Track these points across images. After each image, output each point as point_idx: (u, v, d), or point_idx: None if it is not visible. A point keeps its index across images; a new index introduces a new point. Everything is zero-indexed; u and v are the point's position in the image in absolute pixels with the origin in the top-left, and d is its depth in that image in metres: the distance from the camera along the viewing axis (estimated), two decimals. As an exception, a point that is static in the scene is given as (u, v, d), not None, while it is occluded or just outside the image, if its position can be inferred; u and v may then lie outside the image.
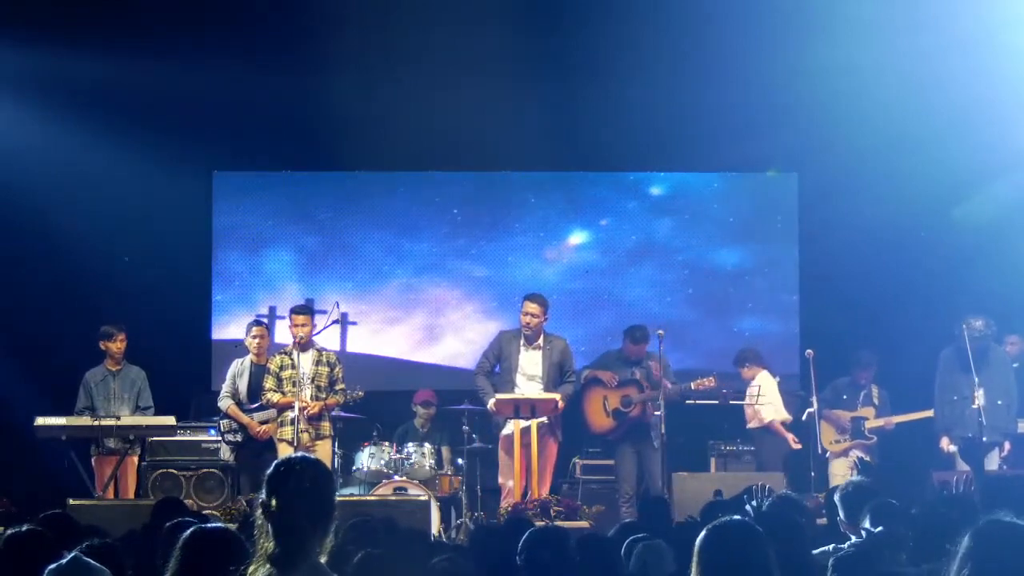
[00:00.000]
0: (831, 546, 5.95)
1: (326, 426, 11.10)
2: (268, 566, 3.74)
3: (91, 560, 4.19)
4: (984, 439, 11.28)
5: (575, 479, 12.36)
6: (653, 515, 7.79)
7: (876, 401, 12.16)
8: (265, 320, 11.99)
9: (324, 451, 10.99)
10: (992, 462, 11.33)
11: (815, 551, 5.78)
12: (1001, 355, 11.67)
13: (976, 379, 11.23)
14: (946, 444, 11.60)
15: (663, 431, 11.11)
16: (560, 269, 13.74)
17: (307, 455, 3.98)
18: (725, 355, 13.11)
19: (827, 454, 11.97)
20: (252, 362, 11.41)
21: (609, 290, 13.73)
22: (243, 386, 11.32)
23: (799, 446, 11.92)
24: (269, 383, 11.04)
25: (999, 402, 11.37)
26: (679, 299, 13.73)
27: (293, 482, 3.80)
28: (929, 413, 11.85)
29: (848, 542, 5.99)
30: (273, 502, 3.78)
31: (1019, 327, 12.13)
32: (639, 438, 11.45)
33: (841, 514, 6.54)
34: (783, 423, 12.05)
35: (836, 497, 6.68)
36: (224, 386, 11.43)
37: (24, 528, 4.59)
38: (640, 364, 11.59)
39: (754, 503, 6.58)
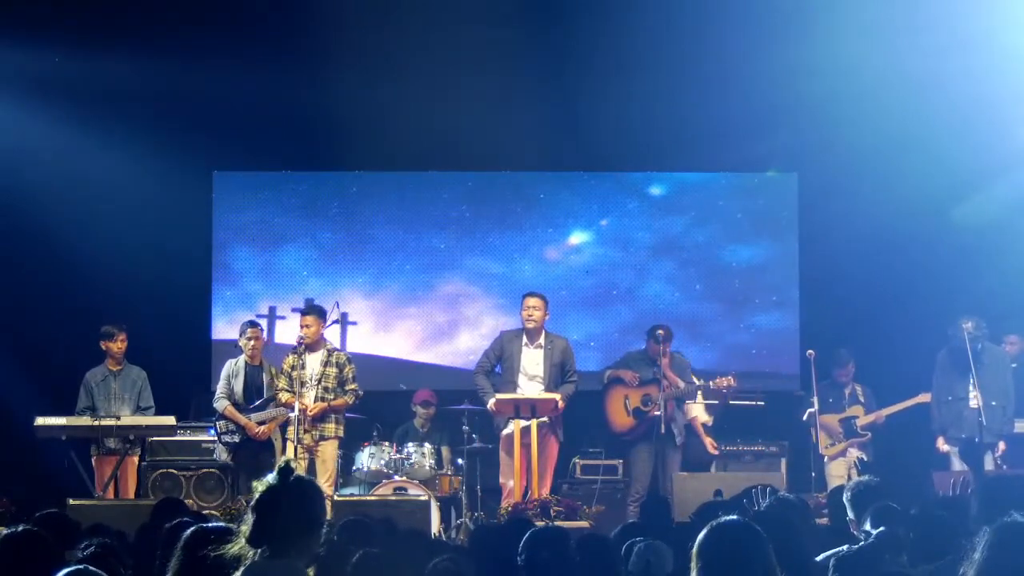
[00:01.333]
0: (845, 547, 5.94)
1: (330, 427, 11.08)
2: (253, 551, 3.82)
3: (98, 570, 4.18)
4: (976, 440, 11.29)
5: (575, 479, 12.35)
6: (654, 515, 7.79)
7: (862, 399, 12.15)
8: (259, 322, 11.97)
9: (328, 452, 10.98)
10: (988, 462, 11.34)
11: (828, 553, 5.77)
12: (999, 355, 11.66)
13: (971, 380, 11.24)
14: (941, 444, 11.62)
15: (663, 429, 11.14)
16: (561, 268, 13.74)
17: (301, 476, 4.02)
18: (727, 354, 13.19)
19: (824, 458, 11.98)
20: (246, 363, 11.40)
21: (610, 289, 13.73)
22: (239, 387, 11.31)
23: (716, 452, 11.91)
24: (282, 383, 11.07)
25: (993, 403, 11.38)
26: (682, 298, 13.72)
27: (278, 494, 3.88)
28: (916, 400, 11.88)
29: (860, 543, 5.99)
30: (256, 509, 3.86)
31: (1018, 327, 12.12)
32: (658, 438, 11.41)
33: (851, 514, 6.55)
34: (704, 425, 12.05)
35: (845, 497, 6.69)
36: (218, 387, 11.42)
37: (20, 528, 4.58)
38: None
39: (754, 508, 6.58)
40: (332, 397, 11.03)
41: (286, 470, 3.93)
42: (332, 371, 11.07)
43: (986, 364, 11.41)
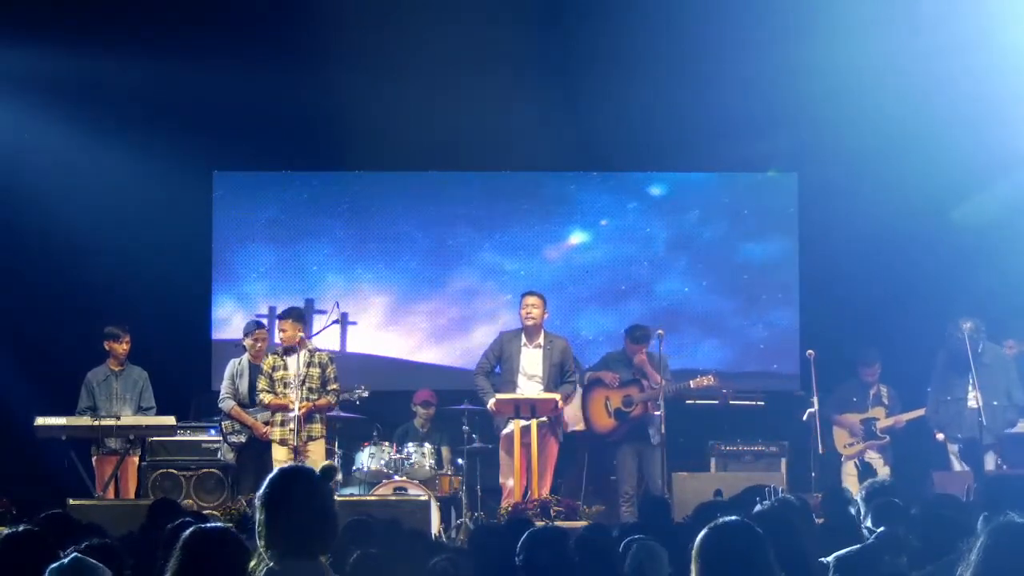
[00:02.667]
0: (857, 546, 5.96)
1: (317, 428, 10.97)
2: (272, 560, 3.80)
3: (92, 560, 4.18)
4: (984, 440, 11.27)
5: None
6: (653, 515, 7.79)
7: (886, 401, 12.09)
8: (264, 322, 11.96)
9: (317, 452, 10.91)
10: (989, 462, 11.31)
11: (838, 553, 5.79)
12: (1000, 356, 11.63)
13: (971, 380, 11.21)
14: (939, 434, 11.61)
15: (663, 430, 11.13)
16: (562, 267, 13.74)
17: (304, 465, 4.03)
18: (728, 354, 13.19)
19: (842, 457, 11.97)
20: (250, 362, 11.38)
21: (609, 288, 13.73)
22: (244, 387, 11.29)
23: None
24: (262, 383, 10.96)
25: (995, 403, 11.35)
26: (683, 298, 13.72)
27: (295, 485, 3.87)
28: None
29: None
30: (276, 505, 3.85)
31: (1018, 328, 12.09)
32: (640, 438, 11.46)
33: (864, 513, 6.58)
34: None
35: (859, 496, 6.73)
36: (223, 387, 11.39)
37: (21, 528, 4.58)
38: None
39: (766, 503, 6.60)
40: (316, 397, 10.97)
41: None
42: (315, 371, 10.96)
43: (987, 364, 11.39)
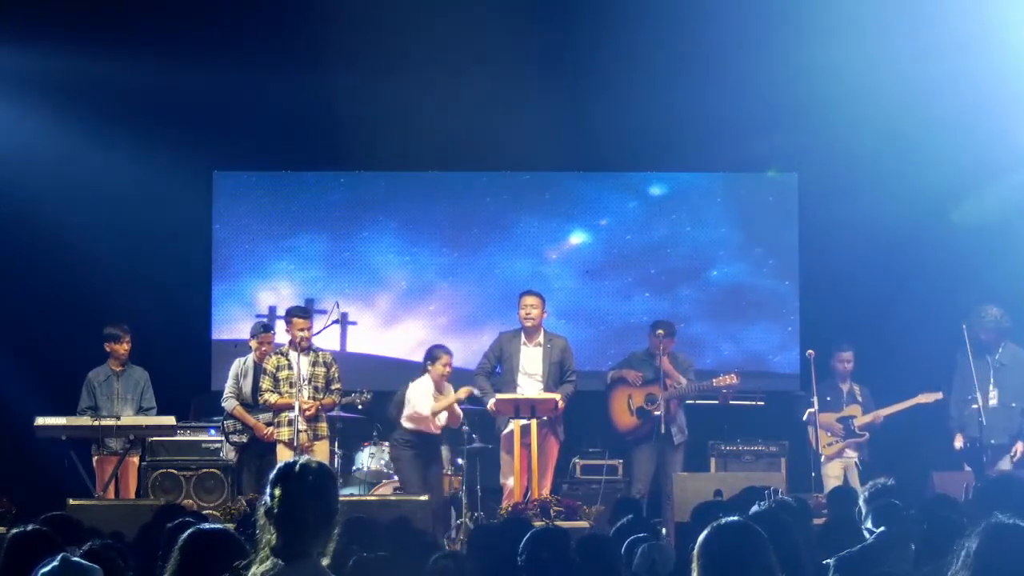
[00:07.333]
0: (857, 547, 5.96)
1: (323, 427, 11.06)
2: (272, 559, 3.77)
3: (83, 560, 4.17)
4: (992, 441, 11.20)
5: (576, 479, 12.35)
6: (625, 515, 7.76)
7: (860, 399, 12.08)
8: (272, 326, 11.96)
9: (322, 451, 10.96)
10: (1005, 464, 11.22)
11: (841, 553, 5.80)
12: (1018, 356, 11.54)
13: (991, 379, 11.13)
14: (959, 441, 11.51)
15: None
16: (559, 269, 13.73)
17: (311, 457, 3.99)
18: (727, 353, 13.17)
19: (821, 457, 11.95)
20: (255, 363, 11.39)
21: (607, 290, 13.72)
22: (247, 387, 11.30)
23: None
24: (266, 384, 10.98)
25: (1013, 404, 11.27)
26: (678, 299, 13.71)
27: (296, 483, 3.82)
28: (915, 401, 11.76)
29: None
30: (276, 503, 3.80)
31: (1018, 328, 12.06)
32: (661, 437, 11.43)
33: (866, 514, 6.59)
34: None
35: (862, 499, 6.74)
36: (227, 386, 11.40)
37: (29, 528, 4.58)
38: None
39: (763, 504, 6.60)
40: (321, 396, 11.00)
41: (306, 469, 3.88)
42: (321, 371, 11.03)
43: (1005, 364, 11.33)
